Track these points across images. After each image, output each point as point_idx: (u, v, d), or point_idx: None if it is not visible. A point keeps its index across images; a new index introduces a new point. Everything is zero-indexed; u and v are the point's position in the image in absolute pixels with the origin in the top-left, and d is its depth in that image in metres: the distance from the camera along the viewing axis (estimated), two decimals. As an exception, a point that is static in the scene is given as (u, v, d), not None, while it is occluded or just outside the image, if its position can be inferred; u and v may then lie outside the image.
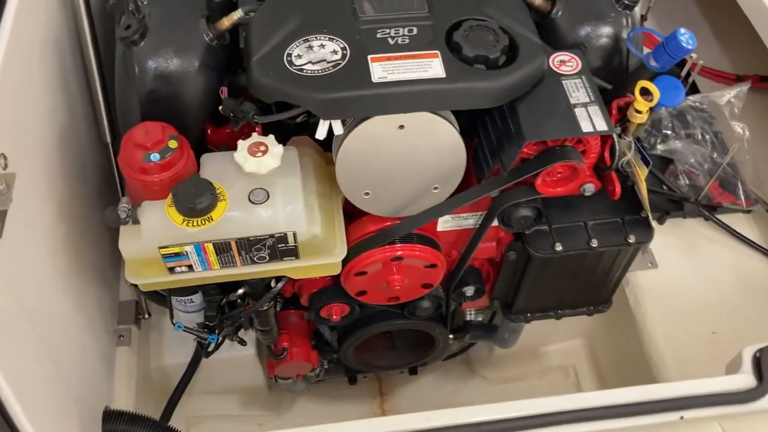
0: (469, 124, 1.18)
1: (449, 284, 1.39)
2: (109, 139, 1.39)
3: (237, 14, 1.13)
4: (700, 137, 1.85)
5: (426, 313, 1.44)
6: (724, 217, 1.82)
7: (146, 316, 1.60)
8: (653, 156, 1.85)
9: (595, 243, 1.27)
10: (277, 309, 1.45)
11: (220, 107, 1.13)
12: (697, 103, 1.85)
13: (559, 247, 1.26)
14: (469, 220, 1.28)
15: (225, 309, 1.30)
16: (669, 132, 1.86)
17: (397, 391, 2.06)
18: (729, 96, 1.81)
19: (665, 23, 2.27)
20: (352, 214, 1.26)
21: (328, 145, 1.17)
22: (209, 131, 1.25)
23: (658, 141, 1.86)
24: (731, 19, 1.87)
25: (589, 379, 2.01)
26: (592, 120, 1.07)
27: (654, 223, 1.82)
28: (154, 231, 1.05)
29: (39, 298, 1.09)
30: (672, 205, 1.83)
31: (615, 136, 1.13)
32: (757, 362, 1.04)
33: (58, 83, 1.26)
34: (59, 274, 1.19)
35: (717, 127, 1.88)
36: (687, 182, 1.83)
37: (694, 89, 2.00)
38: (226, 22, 1.14)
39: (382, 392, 2.07)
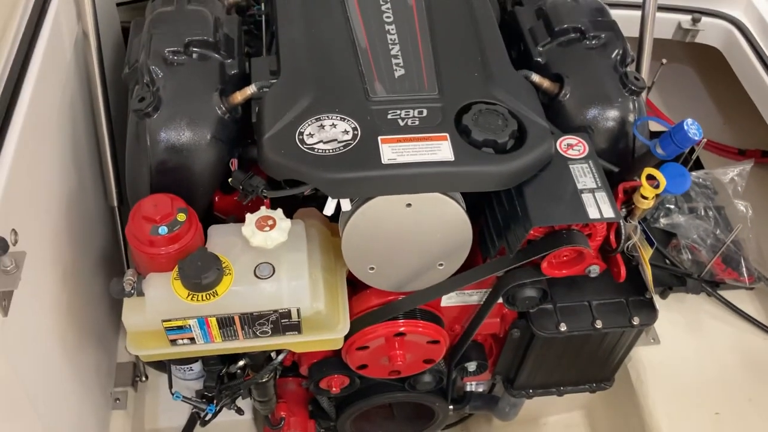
0: (476, 202, 1.19)
1: (451, 359, 1.38)
2: (115, 203, 1.39)
3: (250, 89, 1.15)
4: (702, 212, 1.86)
5: (427, 387, 1.43)
6: (727, 294, 1.81)
7: (143, 378, 1.59)
8: (656, 229, 1.86)
9: (599, 324, 1.26)
10: (276, 377, 1.44)
11: (229, 179, 1.14)
12: (701, 179, 1.87)
13: (563, 327, 1.25)
14: (473, 297, 1.28)
15: (224, 379, 1.29)
16: (672, 206, 1.87)
17: (394, 459, 2.02)
18: (732, 174, 1.83)
19: (669, 95, 2.31)
20: (354, 284, 1.26)
21: (334, 215, 1.17)
22: (217, 198, 1.26)
23: (661, 215, 1.87)
24: (733, 93, 1.90)
25: (588, 453, 1.97)
26: (599, 206, 1.08)
27: (656, 297, 1.82)
28: (158, 304, 1.05)
29: (39, 368, 1.08)
30: (675, 280, 1.83)
31: (621, 220, 1.13)
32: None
33: (70, 147, 1.27)
34: (60, 341, 1.18)
35: (719, 202, 1.89)
36: (690, 257, 1.83)
37: (697, 164, 2.02)
38: (239, 97, 1.15)
39: (378, 460, 2.03)
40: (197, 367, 1.29)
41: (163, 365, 1.30)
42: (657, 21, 1.54)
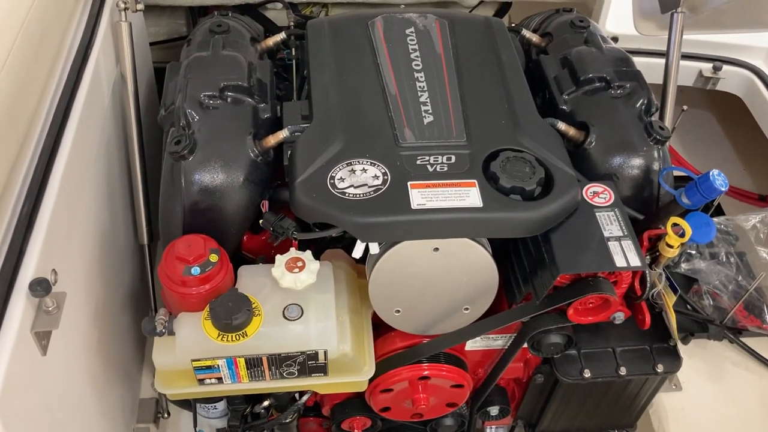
0: (501, 247, 1.20)
1: (474, 403, 1.38)
2: (146, 241, 1.41)
3: (283, 133, 1.18)
4: (724, 258, 1.85)
5: (449, 431, 1.42)
6: (749, 341, 1.80)
7: (165, 415, 1.59)
8: (677, 274, 1.86)
9: (623, 371, 1.26)
10: (299, 417, 1.44)
11: (260, 221, 1.16)
12: (722, 225, 1.87)
13: (587, 374, 1.25)
14: (497, 341, 1.28)
15: (248, 419, 1.29)
16: (693, 252, 1.87)
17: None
18: (755, 221, 1.83)
19: (689, 141, 2.32)
20: (378, 325, 1.27)
21: (361, 256, 1.18)
22: (245, 238, 1.28)
23: (683, 260, 1.87)
24: (754, 139, 1.91)
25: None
26: (625, 254, 1.08)
27: (678, 343, 1.81)
28: (188, 344, 1.06)
29: (68, 404, 1.09)
30: (696, 326, 1.82)
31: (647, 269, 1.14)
32: None
33: (105, 187, 1.30)
34: (89, 378, 1.19)
35: (741, 248, 1.89)
36: (711, 303, 1.82)
37: (718, 210, 2.02)
38: (272, 140, 1.18)
39: (395, 501, 2.00)
40: (221, 405, 1.30)
41: (187, 403, 1.31)
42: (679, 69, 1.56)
